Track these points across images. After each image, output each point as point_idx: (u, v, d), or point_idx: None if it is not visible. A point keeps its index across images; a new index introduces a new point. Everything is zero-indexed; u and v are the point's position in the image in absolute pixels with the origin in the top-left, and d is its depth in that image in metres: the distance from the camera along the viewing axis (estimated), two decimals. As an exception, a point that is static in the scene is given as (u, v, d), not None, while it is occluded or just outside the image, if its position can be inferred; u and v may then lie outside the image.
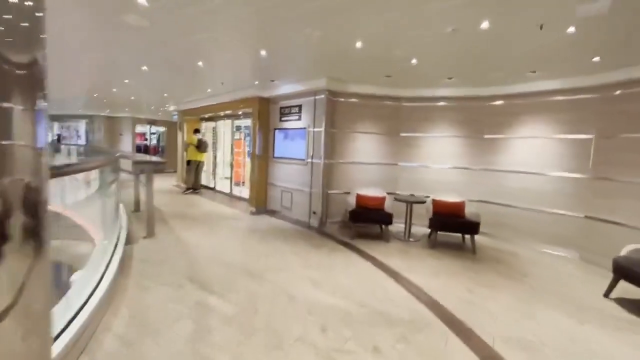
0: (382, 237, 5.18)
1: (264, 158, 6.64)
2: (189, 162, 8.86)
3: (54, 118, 14.09)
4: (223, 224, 5.58)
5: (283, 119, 6.25)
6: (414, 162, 5.85)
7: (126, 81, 6.04)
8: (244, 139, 9.22)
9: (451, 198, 5.17)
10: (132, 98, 8.34)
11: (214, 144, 9.53)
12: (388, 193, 5.50)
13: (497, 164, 5.31)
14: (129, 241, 4.31)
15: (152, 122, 13.92)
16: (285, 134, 6.31)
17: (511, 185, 5.15)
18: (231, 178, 8.72)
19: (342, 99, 5.62)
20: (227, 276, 3.35)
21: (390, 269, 3.79)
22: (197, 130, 9.01)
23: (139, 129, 14.01)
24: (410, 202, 5.11)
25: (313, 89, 5.46)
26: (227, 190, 8.77)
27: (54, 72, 5.65)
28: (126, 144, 13.39)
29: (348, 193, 5.63)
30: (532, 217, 4.92)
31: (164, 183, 10.71)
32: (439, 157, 5.71)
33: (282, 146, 6.39)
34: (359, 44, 3.42)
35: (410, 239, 5.11)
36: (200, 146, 8.69)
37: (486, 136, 5.39)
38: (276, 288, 3.11)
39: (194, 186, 9.00)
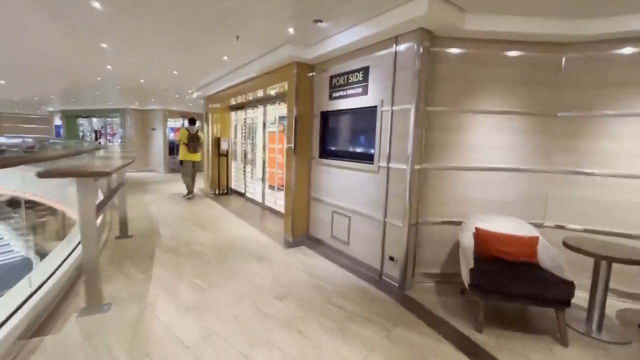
0: (531, 320, 2.53)
1: (303, 158, 4.29)
2: (181, 162, 7.04)
3: (89, 113, 13.32)
4: (236, 270, 3.35)
5: (335, 94, 3.82)
6: (588, 166, 3.04)
7: (103, 45, 4.08)
8: (283, 131, 7.03)
9: None
10: (142, 81, 6.56)
11: (245, 138, 7.47)
12: (530, 224, 2.84)
13: None
14: (42, 327, 2.24)
15: (184, 115, 12.42)
16: (338, 119, 3.88)
17: None
18: (263, 182, 6.57)
19: (451, 50, 3.00)
20: None
21: None
22: (192, 121, 7.00)
23: (172, 123, 12.61)
24: (609, 259, 2.37)
25: (392, 31, 2.93)
26: (260, 198, 6.65)
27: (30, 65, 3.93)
28: (158, 140, 12.07)
29: (458, 224, 3.06)
30: None
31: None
32: (650, 158, 2.83)
33: (334, 139, 3.98)
34: None
35: (601, 336, 2.39)
36: (189, 144, 6.76)
37: None
38: None
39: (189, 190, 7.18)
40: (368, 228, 3.40)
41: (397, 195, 3.04)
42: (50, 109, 14.20)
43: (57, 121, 14.67)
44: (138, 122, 12.00)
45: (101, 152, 7.40)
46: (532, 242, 2.67)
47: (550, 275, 2.38)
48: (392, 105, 3.06)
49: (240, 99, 6.90)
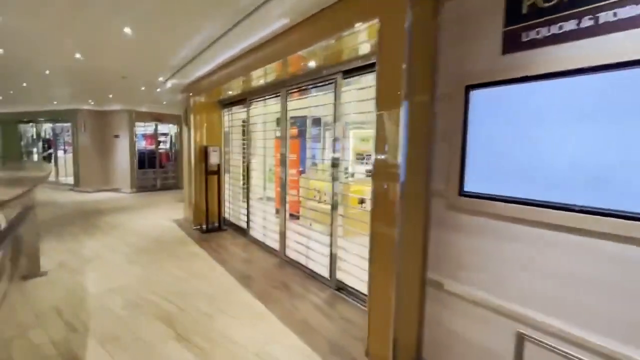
0: None
1: (413, 196, 1.90)
2: None
3: (31, 116, 10.37)
4: None
5: (544, 33, 1.46)
6: None
7: None
8: (296, 137, 4.66)
9: None
10: (78, 55, 3.98)
11: (246, 147, 4.97)
12: None
13: None
14: None
15: (157, 118, 9.71)
16: (545, 99, 1.50)
17: None
18: (283, 222, 4.04)
19: None
20: None
21: None
22: None
23: (142, 128, 9.87)
24: None
25: None
26: (275, 243, 4.15)
27: None
28: (123, 150, 9.30)
29: None
30: None
31: (161, 215, 6.14)
32: None
33: (520, 153, 1.59)
34: None
35: None
36: None
37: None
38: None
39: None
40: None
41: None
42: (-19, 112, 11.11)
43: (-7, 128, 11.57)
44: (95, 127, 9.20)
45: None
46: None
47: None
48: None
49: (239, 88, 4.44)
